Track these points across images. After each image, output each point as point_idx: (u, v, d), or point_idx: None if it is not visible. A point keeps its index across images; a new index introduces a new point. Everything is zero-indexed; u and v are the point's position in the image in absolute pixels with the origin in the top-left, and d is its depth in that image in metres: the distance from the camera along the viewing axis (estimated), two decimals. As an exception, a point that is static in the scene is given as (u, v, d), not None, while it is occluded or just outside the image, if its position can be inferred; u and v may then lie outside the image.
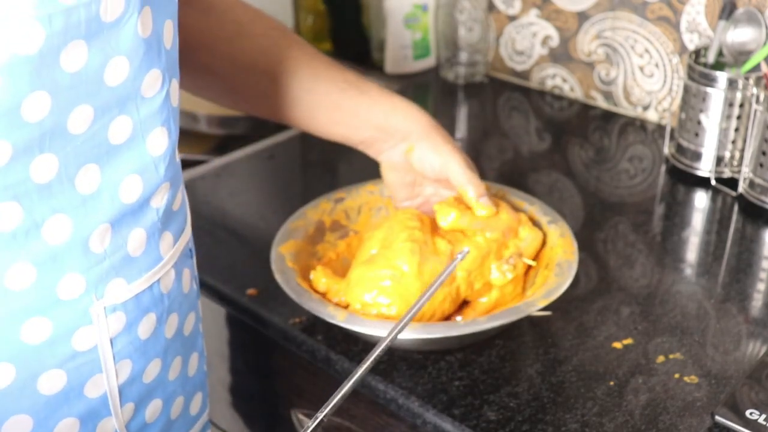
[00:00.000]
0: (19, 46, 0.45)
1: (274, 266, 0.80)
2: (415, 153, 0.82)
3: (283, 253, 0.82)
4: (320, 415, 0.58)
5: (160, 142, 0.57)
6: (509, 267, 0.80)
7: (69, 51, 0.47)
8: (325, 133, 0.85)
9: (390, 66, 1.43)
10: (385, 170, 0.85)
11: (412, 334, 0.72)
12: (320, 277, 0.80)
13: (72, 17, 0.46)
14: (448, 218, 0.80)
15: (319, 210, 0.89)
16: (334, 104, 0.82)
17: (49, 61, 0.47)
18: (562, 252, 0.81)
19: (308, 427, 0.58)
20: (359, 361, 0.78)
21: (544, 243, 0.84)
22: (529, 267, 0.82)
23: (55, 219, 0.52)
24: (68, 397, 0.57)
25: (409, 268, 0.76)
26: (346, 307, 0.77)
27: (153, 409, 0.64)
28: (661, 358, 0.78)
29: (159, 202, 0.59)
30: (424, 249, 0.78)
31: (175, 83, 0.58)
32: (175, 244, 0.63)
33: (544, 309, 0.75)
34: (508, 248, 0.81)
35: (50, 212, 0.51)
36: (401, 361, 0.78)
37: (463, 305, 0.81)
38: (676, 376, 0.76)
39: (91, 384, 0.58)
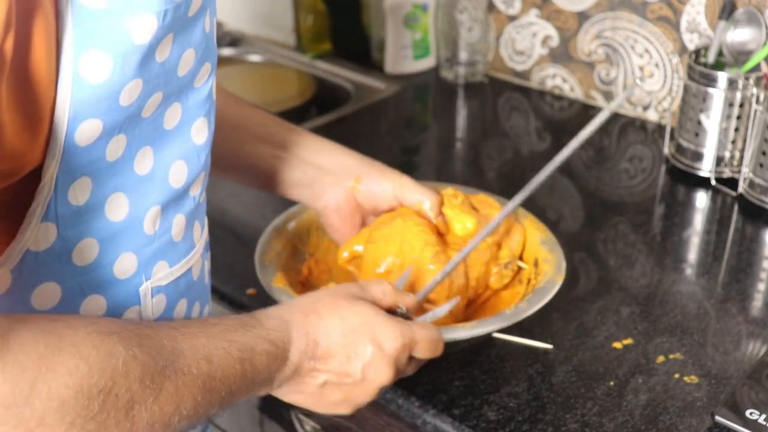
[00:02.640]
0: (136, 36, 0.47)
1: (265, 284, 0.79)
2: (363, 185, 0.81)
3: (277, 285, 0.79)
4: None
5: (203, 131, 0.60)
6: (507, 272, 0.81)
7: (164, 43, 0.50)
8: (262, 171, 0.82)
9: (390, 66, 1.43)
10: (329, 215, 0.81)
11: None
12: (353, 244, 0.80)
13: (177, 12, 0.50)
14: (464, 230, 0.80)
15: (281, 238, 0.85)
16: (271, 139, 0.81)
17: (151, 51, 0.49)
18: (538, 231, 0.83)
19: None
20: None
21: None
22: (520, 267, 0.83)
23: (115, 197, 0.54)
24: None
25: (435, 267, 0.76)
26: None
27: None
28: (661, 358, 0.78)
29: (196, 190, 0.62)
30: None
31: (214, 79, 0.61)
32: (202, 235, 0.66)
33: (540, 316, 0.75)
34: (503, 250, 0.81)
35: (112, 190, 0.53)
36: (401, 361, 0.78)
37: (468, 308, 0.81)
38: (676, 376, 0.76)
39: None
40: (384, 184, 0.80)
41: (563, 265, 0.79)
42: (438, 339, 0.66)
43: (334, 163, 0.81)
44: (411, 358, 0.65)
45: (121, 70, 0.48)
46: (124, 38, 0.47)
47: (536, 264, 0.81)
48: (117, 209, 0.54)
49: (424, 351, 0.65)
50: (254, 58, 1.59)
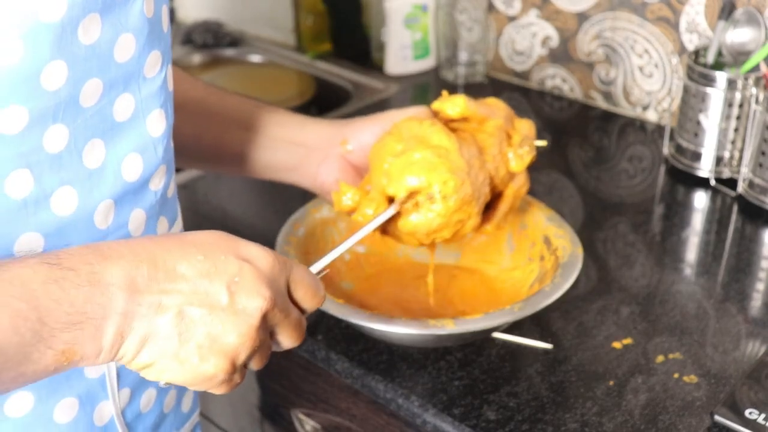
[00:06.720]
0: (44, 14, 0.47)
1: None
2: (351, 144, 0.77)
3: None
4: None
5: (159, 123, 0.59)
6: (524, 151, 0.77)
7: (86, 23, 0.50)
8: (246, 157, 0.79)
9: (390, 66, 1.43)
10: (330, 191, 0.77)
11: (411, 329, 0.72)
12: (345, 192, 0.73)
13: None
14: (456, 107, 0.77)
15: (293, 245, 0.82)
16: (246, 125, 0.79)
17: (68, 31, 0.49)
18: (541, 210, 0.85)
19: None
20: (359, 361, 0.78)
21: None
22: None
23: (62, 190, 0.53)
24: (69, 376, 0.58)
25: (450, 145, 0.71)
26: (391, 201, 0.72)
27: (147, 398, 0.65)
28: (660, 358, 0.78)
29: (157, 184, 0.61)
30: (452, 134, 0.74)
31: (170, 68, 0.60)
32: (170, 230, 0.65)
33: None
34: (512, 136, 0.78)
35: (59, 183, 0.53)
36: (401, 361, 0.78)
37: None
38: (676, 375, 0.76)
39: None
40: (371, 128, 0.77)
41: (577, 238, 0.81)
42: (317, 284, 0.55)
43: (317, 136, 0.78)
44: (292, 301, 0.53)
45: (34, 52, 0.47)
46: (31, 17, 0.46)
47: (547, 241, 0.83)
48: (64, 203, 0.53)
49: (304, 290, 0.53)
50: (254, 58, 1.60)
